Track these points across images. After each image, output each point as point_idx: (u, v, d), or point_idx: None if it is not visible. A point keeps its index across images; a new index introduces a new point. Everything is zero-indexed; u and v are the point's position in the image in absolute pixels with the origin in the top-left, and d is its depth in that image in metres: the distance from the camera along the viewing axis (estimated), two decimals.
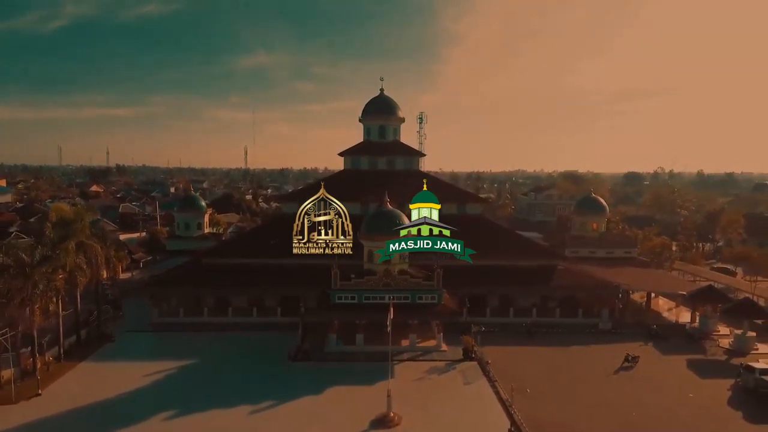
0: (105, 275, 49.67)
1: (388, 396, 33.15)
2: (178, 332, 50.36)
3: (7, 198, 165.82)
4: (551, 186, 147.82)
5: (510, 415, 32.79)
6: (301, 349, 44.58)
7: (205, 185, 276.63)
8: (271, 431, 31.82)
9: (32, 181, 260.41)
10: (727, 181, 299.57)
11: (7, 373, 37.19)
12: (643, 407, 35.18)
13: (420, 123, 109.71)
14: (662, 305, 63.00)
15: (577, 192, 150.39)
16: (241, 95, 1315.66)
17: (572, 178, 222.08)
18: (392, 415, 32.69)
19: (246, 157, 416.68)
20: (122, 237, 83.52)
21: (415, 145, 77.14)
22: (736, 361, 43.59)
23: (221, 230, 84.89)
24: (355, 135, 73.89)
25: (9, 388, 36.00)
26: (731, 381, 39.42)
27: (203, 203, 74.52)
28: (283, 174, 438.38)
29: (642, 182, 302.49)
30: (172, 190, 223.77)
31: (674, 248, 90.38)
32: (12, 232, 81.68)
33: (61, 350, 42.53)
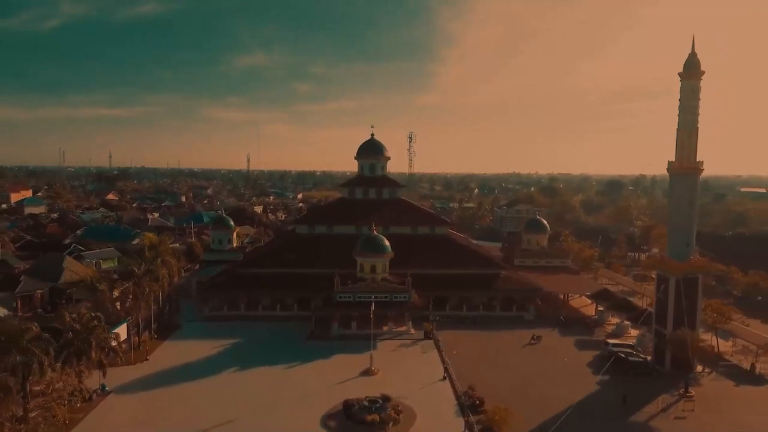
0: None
1: (371, 358, 53.63)
2: (224, 322, 70.46)
3: (41, 209, 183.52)
4: (523, 200, 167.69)
5: (446, 369, 53.20)
6: (313, 333, 64.94)
7: (209, 191, 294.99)
8: (299, 377, 52.21)
9: (45, 187, 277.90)
10: (701, 186, 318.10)
11: (124, 345, 57.32)
12: (533, 367, 55.58)
13: (410, 141, 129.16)
14: (586, 302, 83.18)
15: (551, 205, 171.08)
16: (240, 95, 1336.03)
17: (549, 190, 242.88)
18: (373, 368, 53.22)
19: (248, 164, 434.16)
20: None
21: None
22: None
23: (241, 242, 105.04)
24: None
25: (128, 355, 56.18)
26: (597, 352, 59.77)
27: (231, 223, 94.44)
28: (283, 179, 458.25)
29: (626, 188, 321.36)
30: (183, 198, 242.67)
31: (613, 257, 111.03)
32: (71, 244, 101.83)
33: (151, 333, 62.71)
